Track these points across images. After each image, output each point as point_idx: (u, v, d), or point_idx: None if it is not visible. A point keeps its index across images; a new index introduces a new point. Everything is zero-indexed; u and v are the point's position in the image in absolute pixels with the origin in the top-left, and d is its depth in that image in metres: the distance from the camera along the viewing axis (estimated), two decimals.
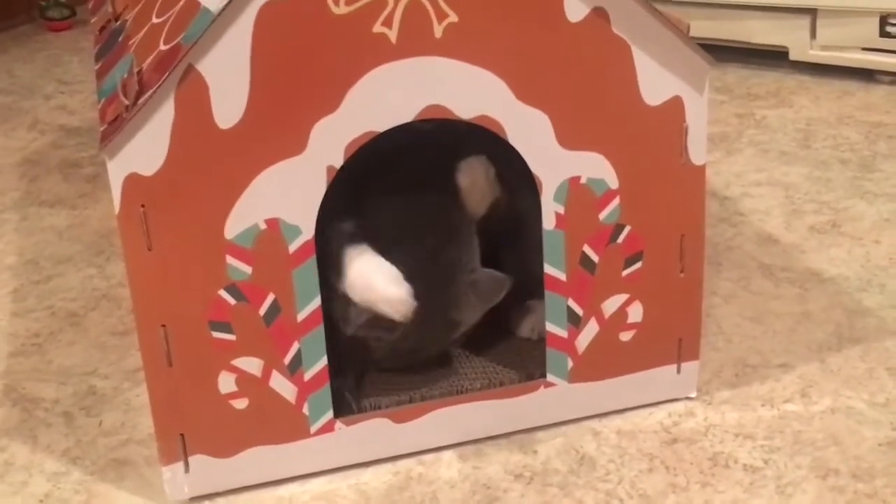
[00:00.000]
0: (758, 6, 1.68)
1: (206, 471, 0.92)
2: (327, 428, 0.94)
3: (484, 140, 0.91)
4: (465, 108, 0.87)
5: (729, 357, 1.08)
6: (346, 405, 0.95)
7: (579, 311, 0.96)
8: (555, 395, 0.98)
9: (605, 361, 0.98)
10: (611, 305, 0.96)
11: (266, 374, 0.91)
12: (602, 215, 0.93)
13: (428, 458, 0.97)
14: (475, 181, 0.95)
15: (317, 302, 0.89)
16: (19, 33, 2.17)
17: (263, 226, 0.86)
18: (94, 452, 1.00)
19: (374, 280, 0.90)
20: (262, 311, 0.89)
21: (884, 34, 1.61)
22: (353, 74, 0.84)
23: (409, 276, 0.91)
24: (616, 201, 0.93)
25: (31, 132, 1.68)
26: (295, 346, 0.90)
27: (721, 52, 1.41)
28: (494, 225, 0.99)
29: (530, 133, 0.89)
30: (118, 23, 1.00)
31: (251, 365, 0.90)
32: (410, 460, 0.97)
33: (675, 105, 0.91)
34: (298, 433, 0.93)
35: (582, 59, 0.88)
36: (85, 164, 1.56)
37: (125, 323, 1.18)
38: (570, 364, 0.98)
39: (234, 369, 0.90)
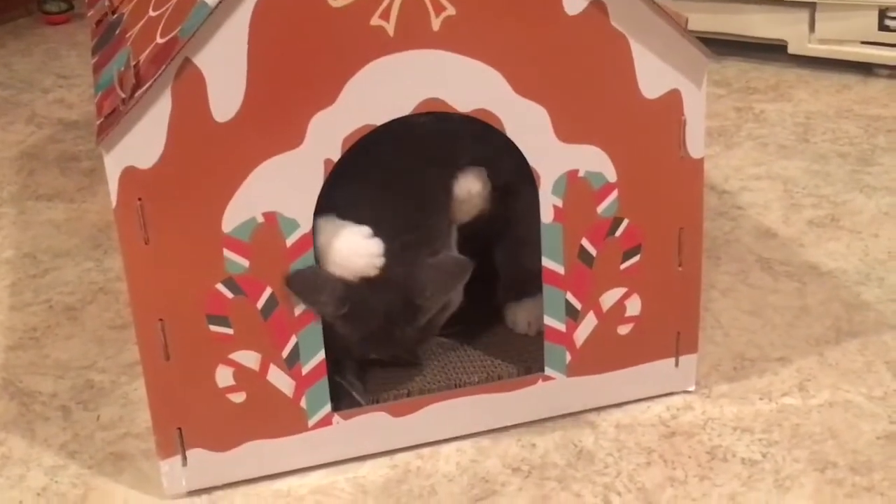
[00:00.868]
0: (757, 0, 1.67)
1: (204, 464, 0.92)
2: (325, 422, 0.94)
3: (477, 134, 0.90)
4: (462, 102, 0.87)
5: (727, 351, 1.08)
6: (352, 401, 0.95)
7: (577, 304, 0.96)
8: (553, 389, 0.98)
9: (603, 355, 0.98)
10: (609, 299, 0.96)
11: (264, 367, 0.91)
12: (600, 209, 0.93)
13: (426, 451, 0.97)
14: (471, 194, 0.95)
15: None
16: (17, 27, 2.17)
17: (261, 219, 0.86)
18: (92, 446, 1.00)
19: (344, 236, 0.89)
20: (260, 304, 0.89)
21: (882, 28, 1.61)
22: (351, 67, 0.83)
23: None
24: (614, 195, 0.93)
25: (28, 126, 1.68)
26: (292, 340, 0.90)
27: (720, 45, 1.40)
28: (484, 225, 0.99)
29: (528, 126, 0.88)
30: (115, 16, 1.00)
31: (249, 359, 0.90)
32: (408, 454, 0.97)
33: (674, 98, 0.91)
34: (296, 427, 0.93)
35: (580, 53, 0.87)
36: (83, 158, 1.55)
37: (123, 317, 1.18)
38: (569, 358, 0.97)
39: (231, 363, 0.90)
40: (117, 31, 0.96)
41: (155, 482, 0.94)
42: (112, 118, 0.81)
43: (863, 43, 1.63)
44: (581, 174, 0.91)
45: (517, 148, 0.89)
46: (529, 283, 0.97)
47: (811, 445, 0.95)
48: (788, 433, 0.97)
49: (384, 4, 0.82)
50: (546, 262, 0.93)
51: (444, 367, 1.01)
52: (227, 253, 0.86)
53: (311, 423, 0.94)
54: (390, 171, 0.93)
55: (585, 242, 0.94)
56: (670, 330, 0.99)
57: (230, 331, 0.89)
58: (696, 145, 0.93)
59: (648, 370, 1.00)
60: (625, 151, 0.91)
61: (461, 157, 0.95)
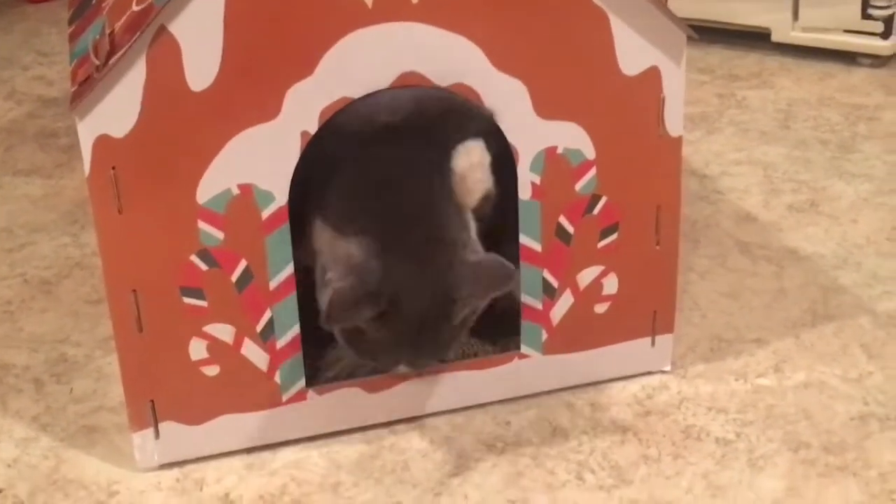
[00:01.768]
0: None
1: (177, 437, 0.92)
2: (299, 396, 0.93)
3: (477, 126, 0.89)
4: (441, 76, 0.86)
5: (704, 332, 1.08)
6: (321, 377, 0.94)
7: (554, 282, 0.95)
8: (529, 367, 0.98)
9: (579, 333, 0.98)
10: (586, 277, 0.96)
11: (238, 341, 0.90)
12: (578, 186, 0.93)
13: (400, 427, 0.97)
14: (472, 165, 0.91)
15: (290, 269, 0.89)
16: None
17: (236, 191, 0.86)
18: (65, 419, 1.00)
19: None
20: (234, 277, 0.88)
21: (865, 16, 1.61)
22: (329, 39, 0.83)
23: (388, 246, 0.88)
24: (592, 172, 0.93)
25: (7, 102, 1.66)
26: (267, 314, 0.90)
27: (703, 32, 1.39)
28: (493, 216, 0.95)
29: (507, 102, 0.88)
30: None
31: (223, 332, 0.90)
32: (382, 430, 0.97)
33: (653, 75, 0.90)
34: (270, 401, 0.93)
35: (560, 28, 0.87)
36: (61, 135, 1.54)
37: (98, 291, 1.17)
38: (545, 336, 0.97)
39: (205, 336, 0.89)
40: (94, 1, 0.95)
41: (128, 455, 0.94)
42: (86, 86, 0.81)
43: (846, 31, 1.63)
44: (560, 151, 0.91)
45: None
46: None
47: (785, 426, 0.96)
48: (763, 413, 0.97)
49: None
50: (523, 240, 0.93)
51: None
52: (201, 224, 0.86)
53: (285, 397, 0.93)
54: (380, 172, 0.89)
55: (563, 220, 0.93)
56: (647, 309, 0.99)
57: (204, 303, 0.88)
58: (674, 123, 0.93)
59: (625, 349, 1.00)
60: (603, 128, 0.91)
61: (452, 134, 0.91)
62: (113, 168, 0.83)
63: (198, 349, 0.90)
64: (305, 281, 0.91)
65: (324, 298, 0.87)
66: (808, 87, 1.60)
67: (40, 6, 2.13)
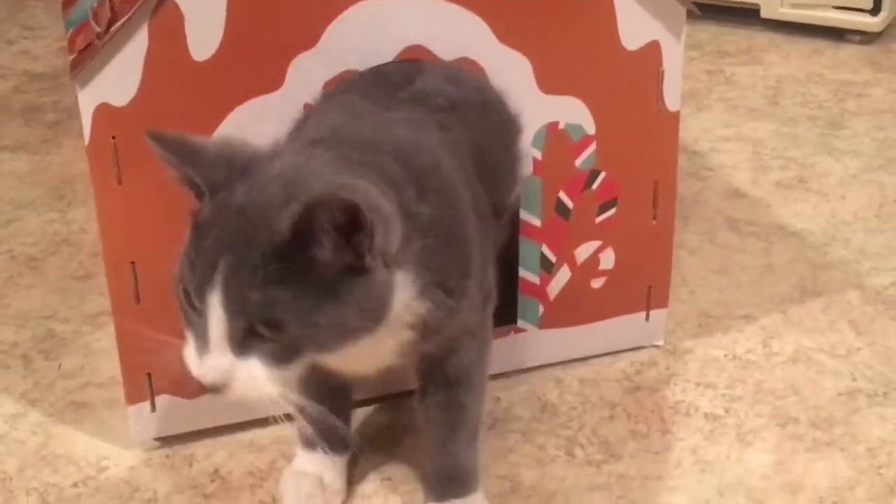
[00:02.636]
0: None
1: (172, 411, 0.92)
2: None
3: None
4: (445, 49, 0.86)
5: (693, 308, 1.09)
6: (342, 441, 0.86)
7: (552, 257, 0.96)
8: (525, 341, 0.99)
9: (575, 308, 0.99)
10: (583, 252, 0.97)
11: None
12: (578, 161, 0.93)
13: (390, 403, 0.97)
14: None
15: None
16: None
17: None
18: (53, 395, 0.99)
19: None
20: None
21: None
22: (333, 9, 0.82)
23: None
24: (592, 147, 0.93)
25: None
26: None
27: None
28: None
29: (511, 76, 0.88)
30: None
31: None
32: (372, 405, 0.96)
33: (653, 50, 0.91)
34: None
35: (563, 2, 0.87)
36: (47, 110, 1.52)
37: (86, 267, 1.16)
38: (541, 310, 0.98)
39: None
40: None
41: (117, 431, 0.93)
42: (86, 53, 0.79)
43: (835, 8, 1.64)
44: (561, 126, 0.91)
45: None
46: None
47: (773, 401, 0.97)
48: (751, 389, 0.98)
49: None
50: (523, 215, 0.93)
51: None
52: None
53: None
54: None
55: (563, 195, 0.94)
56: (642, 284, 1.00)
57: None
58: (673, 98, 0.93)
59: (619, 324, 1.01)
60: (604, 103, 0.91)
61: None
62: (113, 137, 0.82)
63: None
64: None
65: None
66: (797, 64, 1.61)
67: None
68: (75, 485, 0.89)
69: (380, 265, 0.68)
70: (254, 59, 0.82)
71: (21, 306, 1.11)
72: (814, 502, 0.86)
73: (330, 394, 0.82)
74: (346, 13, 0.82)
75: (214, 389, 0.69)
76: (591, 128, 0.92)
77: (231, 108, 0.83)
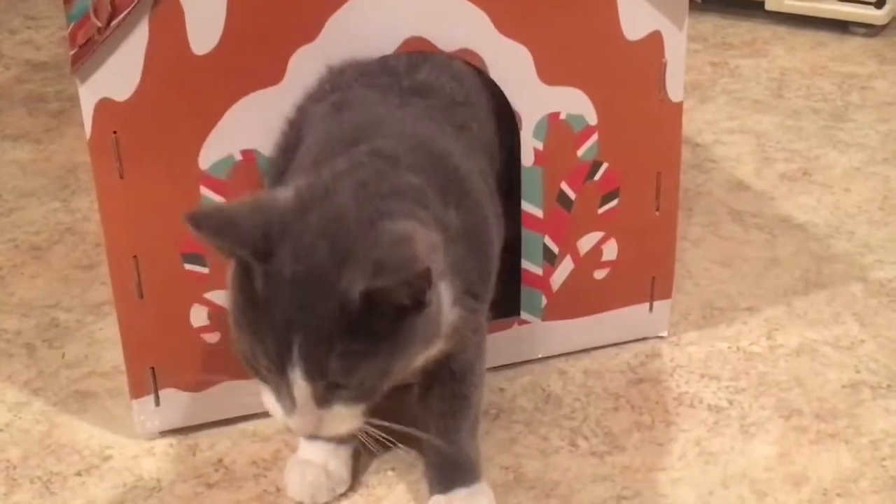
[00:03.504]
0: None
1: (177, 404, 0.92)
2: None
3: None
4: (446, 41, 0.86)
5: (697, 300, 1.09)
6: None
7: (555, 248, 0.96)
8: (529, 333, 0.99)
9: (579, 299, 0.99)
10: (586, 243, 0.97)
11: None
12: (580, 152, 0.93)
13: (394, 394, 0.97)
14: None
15: None
16: None
17: (239, 157, 0.85)
18: (57, 384, 0.99)
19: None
20: None
21: None
22: (334, 2, 0.82)
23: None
24: (594, 138, 0.93)
25: None
26: None
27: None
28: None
29: (511, 67, 0.88)
30: None
31: (224, 298, 0.89)
32: None
33: (655, 40, 0.90)
34: None
35: None
36: (50, 99, 1.52)
37: (90, 257, 1.17)
38: (545, 302, 0.98)
39: (206, 302, 0.89)
40: None
41: (120, 420, 0.93)
42: (87, 48, 0.79)
43: (839, 0, 1.63)
44: (562, 116, 0.91)
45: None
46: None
47: (777, 393, 0.97)
48: (755, 381, 0.98)
49: None
50: (525, 206, 0.93)
51: None
52: (203, 190, 0.85)
53: None
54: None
55: (565, 186, 0.94)
56: (646, 275, 1.00)
57: (205, 269, 0.88)
58: (675, 88, 0.93)
59: (623, 315, 1.01)
60: (606, 94, 0.91)
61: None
62: (114, 132, 0.82)
63: (199, 316, 0.89)
64: None
65: None
66: (801, 56, 1.60)
67: None
68: (79, 473, 0.89)
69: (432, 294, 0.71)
70: (254, 53, 0.82)
71: (25, 295, 1.11)
72: (817, 494, 0.86)
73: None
74: (346, 5, 0.82)
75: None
76: (592, 119, 0.92)
77: (231, 103, 0.83)
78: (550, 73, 0.89)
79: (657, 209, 0.97)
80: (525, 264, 0.96)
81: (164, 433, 0.93)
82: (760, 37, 1.67)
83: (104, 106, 0.81)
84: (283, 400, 0.72)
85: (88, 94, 0.80)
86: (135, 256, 0.86)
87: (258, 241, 0.69)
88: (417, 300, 0.69)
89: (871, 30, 1.65)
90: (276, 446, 0.91)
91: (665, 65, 0.91)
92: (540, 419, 0.94)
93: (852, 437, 0.92)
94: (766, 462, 0.89)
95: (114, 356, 0.90)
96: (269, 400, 0.73)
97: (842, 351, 1.02)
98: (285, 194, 0.72)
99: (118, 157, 0.82)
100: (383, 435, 0.75)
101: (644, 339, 1.03)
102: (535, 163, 0.92)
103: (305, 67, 0.83)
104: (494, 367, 0.99)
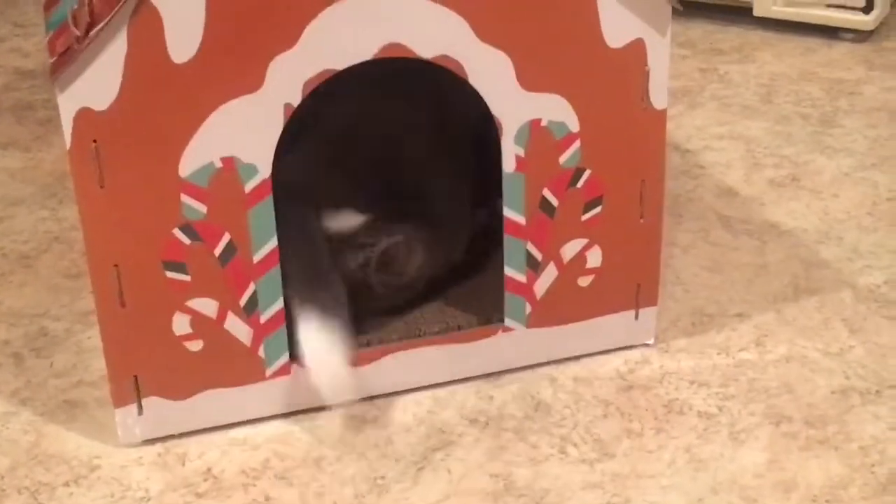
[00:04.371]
0: None
1: (160, 413, 0.92)
2: (283, 371, 0.93)
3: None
4: (425, 47, 0.85)
5: (686, 306, 1.08)
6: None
7: (538, 255, 0.95)
8: (513, 340, 0.98)
9: (563, 306, 0.98)
10: (570, 250, 0.96)
11: (221, 315, 0.90)
12: (562, 159, 0.93)
13: (383, 402, 0.97)
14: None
15: (273, 242, 0.88)
16: None
17: (219, 164, 0.85)
18: (45, 393, 0.99)
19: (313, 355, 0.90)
20: (217, 251, 0.87)
21: None
22: (312, 9, 0.82)
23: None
24: (576, 145, 0.92)
25: None
26: (251, 288, 0.89)
27: (685, 6, 1.39)
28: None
29: (491, 74, 0.87)
30: None
31: (206, 306, 0.89)
32: (365, 404, 0.96)
33: (637, 48, 0.90)
34: (254, 376, 0.93)
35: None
36: (39, 108, 1.52)
37: (78, 265, 1.16)
38: (529, 309, 0.97)
39: (188, 310, 0.89)
40: None
41: (109, 430, 0.93)
42: (66, 57, 0.79)
43: (828, 6, 1.63)
44: (544, 123, 0.91)
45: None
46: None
47: (767, 399, 0.96)
48: (745, 387, 0.98)
49: None
50: (507, 212, 0.93)
51: (404, 316, 1.00)
52: (184, 198, 0.85)
53: (268, 372, 0.93)
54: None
55: (547, 193, 0.93)
56: (630, 282, 1.00)
57: (187, 277, 0.88)
58: (659, 96, 0.92)
59: (608, 322, 1.00)
60: (588, 101, 0.91)
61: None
62: (94, 141, 0.82)
63: (181, 324, 0.89)
64: None
65: None
66: (789, 62, 1.60)
67: None
68: (67, 484, 0.89)
69: None
70: (233, 60, 0.82)
71: (13, 304, 1.11)
72: (807, 500, 0.86)
73: None
74: (325, 12, 0.82)
75: None
76: (574, 126, 0.92)
77: (211, 110, 0.83)
78: (531, 79, 0.89)
79: (641, 216, 0.97)
80: (508, 271, 0.95)
81: (153, 442, 0.92)
82: (749, 42, 1.67)
83: (84, 115, 0.81)
84: None
85: (68, 104, 0.80)
86: (116, 265, 0.86)
87: None
88: None
89: (859, 35, 1.65)
90: (266, 455, 0.91)
91: (648, 73, 0.91)
92: (530, 427, 0.94)
93: (842, 444, 0.91)
94: (755, 468, 0.89)
95: (102, 365, 0.90)
96: None
97: (831, 357, 1.02)
98: None
99: (98, 167, 0.82)
100: None
101: (632, 346, 1.02)
102: (517, 169, 0.92)
103: (284, 74, 0.83)
104: (482, 375, 0.99)
